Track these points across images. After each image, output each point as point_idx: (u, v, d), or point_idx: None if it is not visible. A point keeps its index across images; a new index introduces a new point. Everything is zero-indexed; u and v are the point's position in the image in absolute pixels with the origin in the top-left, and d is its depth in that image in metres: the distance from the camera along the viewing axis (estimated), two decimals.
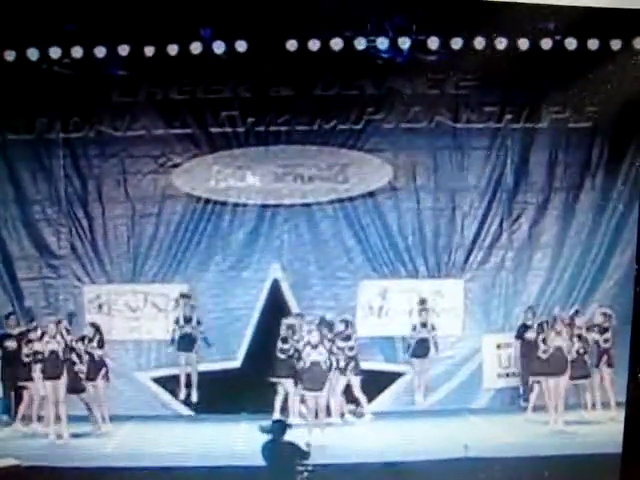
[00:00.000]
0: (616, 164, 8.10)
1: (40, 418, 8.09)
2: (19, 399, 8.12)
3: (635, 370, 7.35)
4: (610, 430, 7.63)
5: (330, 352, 8.09)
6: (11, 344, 8.12)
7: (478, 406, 8.37)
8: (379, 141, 8.14)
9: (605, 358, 8.23)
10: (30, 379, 8.08)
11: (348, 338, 8.23)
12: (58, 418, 7.99)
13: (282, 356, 8.11)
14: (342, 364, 8.18)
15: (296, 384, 8.09)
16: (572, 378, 8.17)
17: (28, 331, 8.07)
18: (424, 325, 8.30)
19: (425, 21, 7.48)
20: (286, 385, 8.15)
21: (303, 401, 8.08)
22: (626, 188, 8.09)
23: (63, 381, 8.00)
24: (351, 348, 8.23)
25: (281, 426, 7.30)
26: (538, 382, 8.17)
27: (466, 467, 7.57)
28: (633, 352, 7.52)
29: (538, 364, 8.16)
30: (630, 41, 7.44)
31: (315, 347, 8.03)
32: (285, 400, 8.16)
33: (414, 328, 8.31)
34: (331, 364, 8.07)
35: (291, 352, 8.08)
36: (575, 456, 7.56)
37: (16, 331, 8.13)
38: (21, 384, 8.10)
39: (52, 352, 7.99)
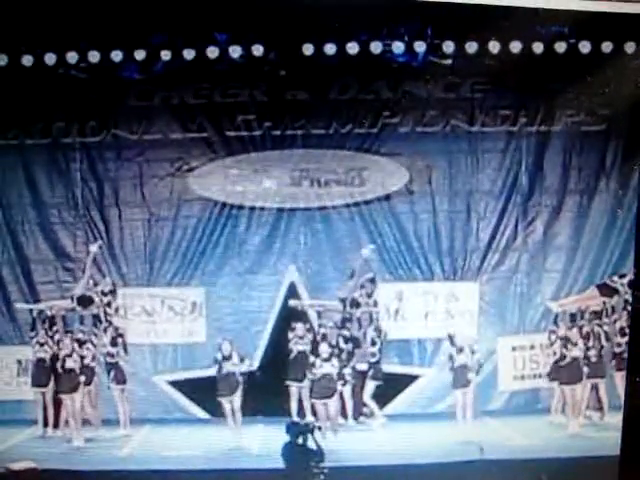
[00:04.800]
0: (630, 167, 8.09)
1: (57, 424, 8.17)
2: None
3: (633, 374, 7.39)
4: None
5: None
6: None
7: (494, 408, 8.36)
8: (395, 145, 8.13)
9: (616, 362, 8.26)
10: (44, 385, 8.18)
11: (374, 343, 8.32)
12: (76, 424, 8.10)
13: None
14: (364, 367, 8.28)
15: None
16: (589, 377, 8.25)
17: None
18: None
19: (440, 25, 7.49)
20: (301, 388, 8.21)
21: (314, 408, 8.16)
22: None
23: (80, 395, 8.09)
24: (373, 354, 8.31)
25: (300, 428, 7.36)
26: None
27: (481, 469, 7.62)
28: (631, 356, 7.56)
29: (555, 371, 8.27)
30: None
31: (327, 360, 8.14)
32: (301, 403, 8.20)
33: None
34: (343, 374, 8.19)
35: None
36: (590, 458, 7.63)
37: (32, 335, 8.19)
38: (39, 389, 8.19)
39: (69, 369, 8.11)
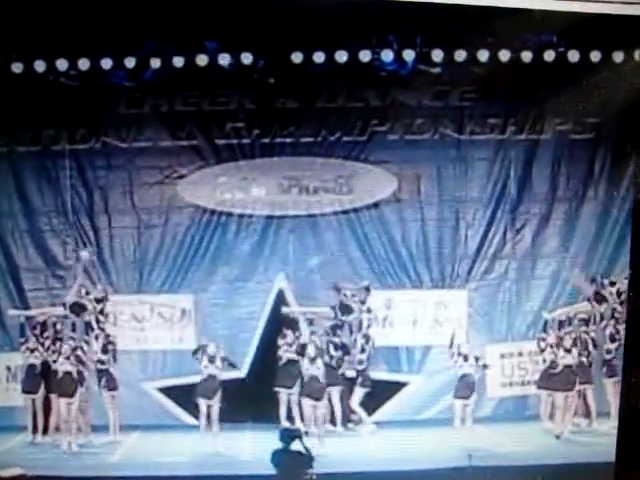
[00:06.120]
0: (618, 175, 8.11)
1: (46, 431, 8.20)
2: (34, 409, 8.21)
3: (628, 377, 7.41)
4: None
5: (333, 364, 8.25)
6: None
7: (482, 415, 8.37)
8: (383, 153, 8.16)
9: (606, 368, 8.30)
10: (34, 391, 8.18)
11: (363, 350, 8.34)
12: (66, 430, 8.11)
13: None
14: (353, 374, 8.32)
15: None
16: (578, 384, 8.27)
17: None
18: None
19: (429, 34, 7.51)
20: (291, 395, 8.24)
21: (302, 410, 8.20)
22: (628, 198, 8.13)
23: (76, 399, 8.10)
24: (361, 361, 8.32)
25: (291, 434, 7.40)
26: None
27: (470, 476, 7.64)
28: (626, 359, 7.58)
29: (546, 378, 8.28)
30: (632, 53, 7.47)
31: (313, 360, 8.16)
32: (290, 409, 8.24)
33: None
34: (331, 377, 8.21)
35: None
36: (578, 465, 7.65)
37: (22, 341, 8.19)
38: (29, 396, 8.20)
39: (66, 372, 8.12)
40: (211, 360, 8.17)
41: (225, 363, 8.17)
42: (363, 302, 8.33)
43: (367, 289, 8.33)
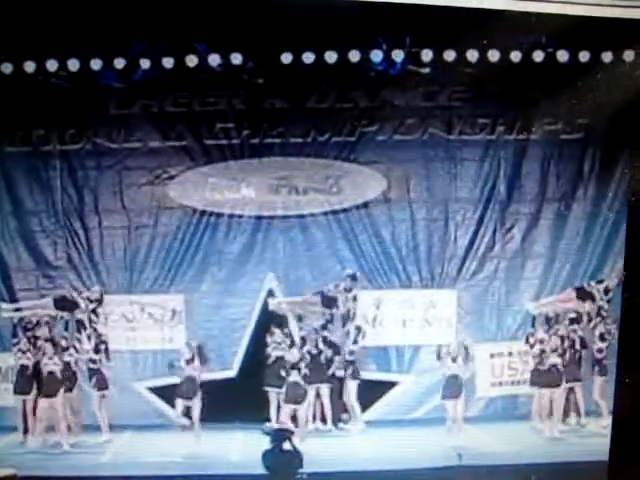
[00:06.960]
0: (607, 174, 8.16)
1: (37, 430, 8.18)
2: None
3: (622, 376, 7.43)
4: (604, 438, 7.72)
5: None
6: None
7: (472, 414, 8.38)
8: (373, 153, 8.18)
9: (598, 367, 8.32)
10: (27, 392, 8.19)
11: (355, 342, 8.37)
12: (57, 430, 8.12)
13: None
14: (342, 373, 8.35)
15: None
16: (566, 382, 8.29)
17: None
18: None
19: (418, 34, 7.52)
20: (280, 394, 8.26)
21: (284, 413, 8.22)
22: (617, 198, 8.16)
23: (60, 399, 8.11)
24: (352, 352, 8.36)
25: (281, 434, 7.43)
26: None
27: (460, 475, 7.66)
28: (620, 358, 7.60)
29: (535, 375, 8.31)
30: (621, 53, 7.49)
31: (294, 367, 8.20)
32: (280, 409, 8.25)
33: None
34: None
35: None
36: (568, 464, 7.68)
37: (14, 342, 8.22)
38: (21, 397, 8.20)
39: (50, 372, 8.13)
40: (188, 362, 8.22)
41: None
42: (348, 290, 8.35)
43: (353, 278, 8.35)
